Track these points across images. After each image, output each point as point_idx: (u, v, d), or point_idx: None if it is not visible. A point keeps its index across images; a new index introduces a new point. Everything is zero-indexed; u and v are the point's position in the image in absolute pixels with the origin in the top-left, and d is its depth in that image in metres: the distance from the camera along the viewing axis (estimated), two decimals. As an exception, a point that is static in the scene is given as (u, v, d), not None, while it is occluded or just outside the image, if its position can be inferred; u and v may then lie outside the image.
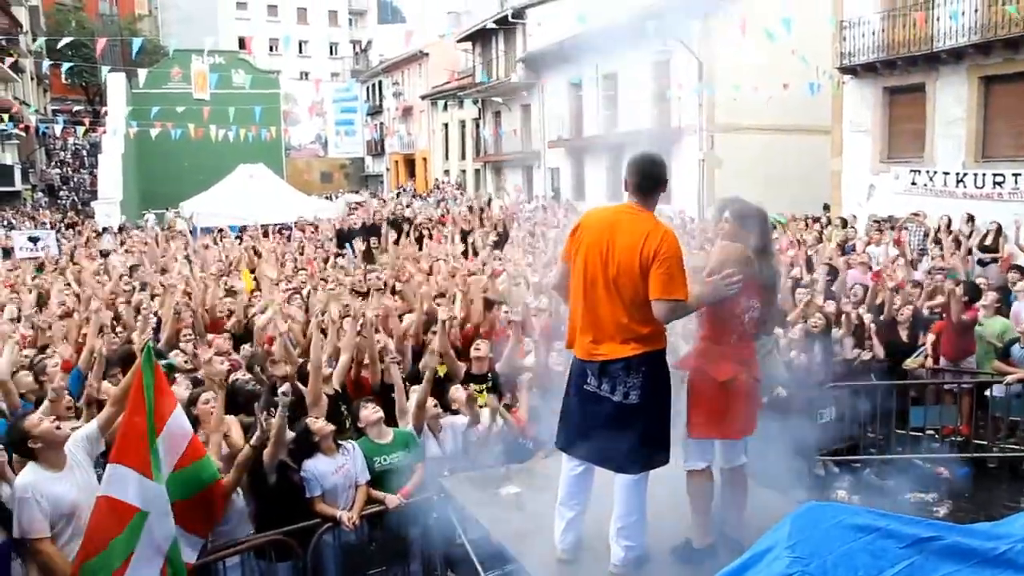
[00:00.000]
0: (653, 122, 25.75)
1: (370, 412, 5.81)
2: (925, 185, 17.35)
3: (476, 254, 12.69)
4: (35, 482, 4.38)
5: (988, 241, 13.76)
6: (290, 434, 5.27)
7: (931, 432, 8.53)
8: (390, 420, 6.03)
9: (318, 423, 5.54)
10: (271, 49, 56.73)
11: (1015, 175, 15.90)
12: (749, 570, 2.87)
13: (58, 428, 4.51)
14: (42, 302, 9.88)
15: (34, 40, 36.21)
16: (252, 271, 11.61)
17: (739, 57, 21.52)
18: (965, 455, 8.46)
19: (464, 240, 13.50)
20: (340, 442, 5.59)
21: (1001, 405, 8.49)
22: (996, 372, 8.57)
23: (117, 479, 4.28)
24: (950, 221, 14.79)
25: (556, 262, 4.43)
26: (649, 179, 4.12)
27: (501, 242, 14.17)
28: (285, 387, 5.43)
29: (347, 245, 14.23)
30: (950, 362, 8.98)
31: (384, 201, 30.05)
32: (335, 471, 5.44)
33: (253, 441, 4.99)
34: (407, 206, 21.17)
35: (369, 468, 5.63)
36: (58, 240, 16.11)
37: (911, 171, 17.70)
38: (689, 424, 4.22)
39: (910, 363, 8.98)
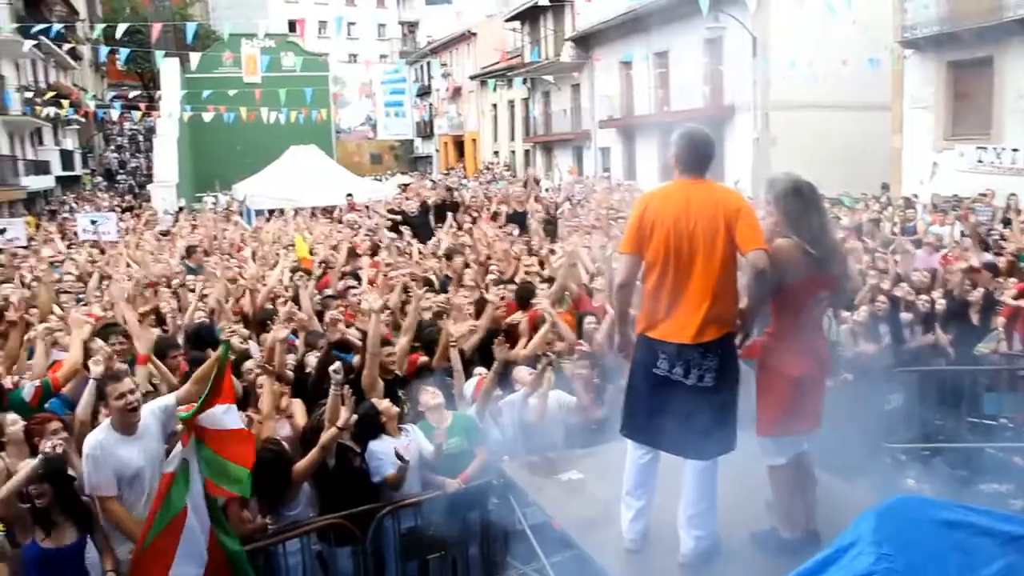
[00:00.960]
0: (705, 100, 25.33)
1: (430, 397, 5.73)
2: (992, 163, 16.78)
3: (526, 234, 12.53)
4: (104, 442, 4.50)
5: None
6: (346, 412, 5.22)
7: (1005, 420, 8.22)
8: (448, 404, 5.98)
9: (384, 403, 5.48)
10: (320, 31, 56.98)
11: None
12: (832, 565, 2.71)
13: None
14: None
15: (91, 28, 36.82)
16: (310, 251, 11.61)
17: (795, 32, 21.04)
18: (1041, 444, 8.15)
19: (516, 222, 13.27)
20: (401, 425, 5.55)
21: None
22: (1073, 357, 8.23)
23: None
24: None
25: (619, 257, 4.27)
26: (698, 157, 4.04)
27: (551, 224, 13.95)
28: (336, 365, 5.35)
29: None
30: (1025, 346, 8.64)
31: (435, 183, 30.04)
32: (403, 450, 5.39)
33: (339, 422, 5.06)
34: (456, 188, 21.01)
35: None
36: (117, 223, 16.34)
37: (977, 148, 17.14)
38: (763, 422, 4.06)
39: (982, 348, 8.65)
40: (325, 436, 5.04)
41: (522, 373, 6.07)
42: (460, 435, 5.64)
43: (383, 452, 5.29)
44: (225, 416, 4.55)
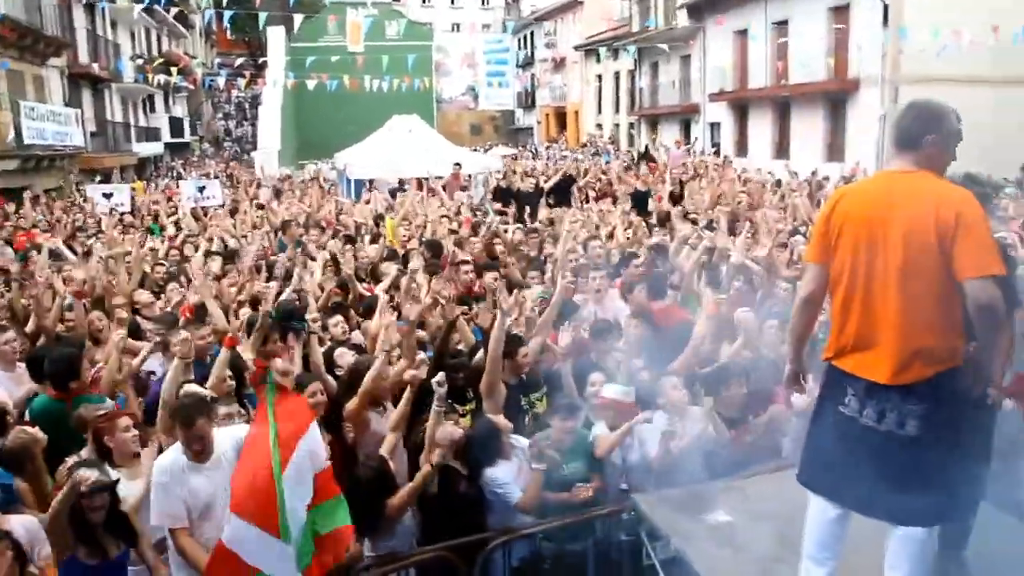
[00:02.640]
0: (828, 73, 23.69)
1: (566, 423, 4.81)
2: None
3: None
4: (173, 468, 3.97)
5: None
6: (454, 431, 4.54)
7: None
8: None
9: (500, 419, 4.78)
10: (424, 1, 56.68)
11: None
12: None
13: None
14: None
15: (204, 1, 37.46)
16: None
17: (931, 1, 19.30)
18: None
19: (638, 203, 12.32)
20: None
21: None
22: None
23: (237, 532, 3.53)
24: None
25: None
26: (912, 132, 3.16)
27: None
28: (440, 377, 4.62)
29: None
30: None
31: (536, 154, 29.31)
32: (516, 476, 4.64)
33: (434, 457, 4.39)
34: (557, 160, 20.19)
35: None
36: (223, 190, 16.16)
37: None
38: None
39: None
40: (420, 477, 4.37)
41: (668, 388, 5.14)
42: (581, 459, 4.84)
43: (505, 477, 4.59)
44: (312, 455, 3.81)
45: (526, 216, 11.75)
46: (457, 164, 18.47)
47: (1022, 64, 18.07)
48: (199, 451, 4.00)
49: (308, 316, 6.18)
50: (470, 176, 19.25)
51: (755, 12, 26.38)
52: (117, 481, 4.02)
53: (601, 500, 4.77)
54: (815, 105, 24.01)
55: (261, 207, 13.09)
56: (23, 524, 3.67)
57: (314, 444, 3.78)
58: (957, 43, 17.57)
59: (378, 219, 11.80)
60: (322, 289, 7.56)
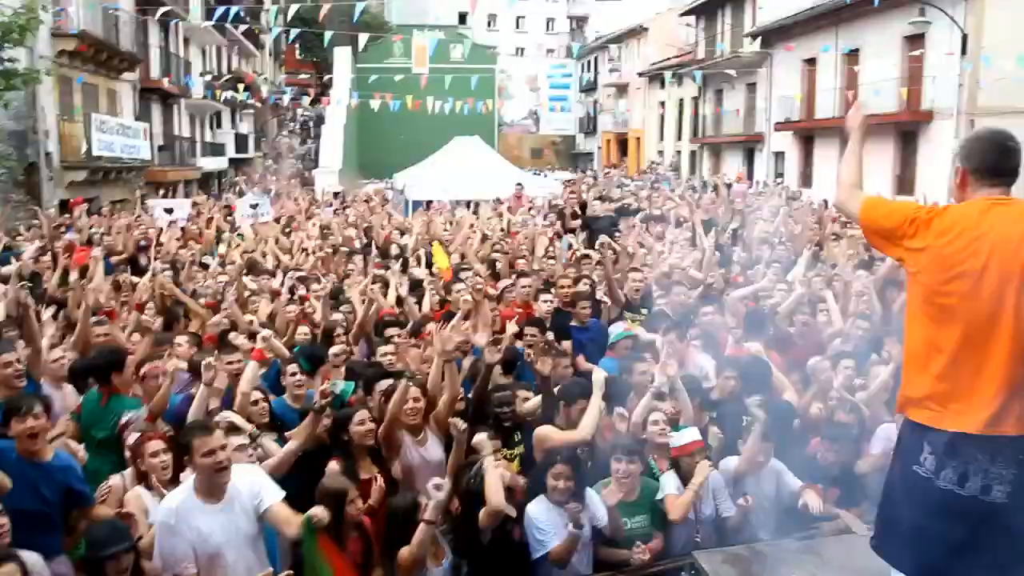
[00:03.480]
0: (900, 104, 23.00)
1: (629, 467, 4.43)
2: None
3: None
4: (181, 509, 3.64)
5: None
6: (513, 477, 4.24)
7: None
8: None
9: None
10: (489, 25, 57.07)
11: None
12: None
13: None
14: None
15: (274, 19, 38.16)
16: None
17: (1016, 28, 18.59)
18: None
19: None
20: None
21: None
22: None
23: None
24: None
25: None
26: (1005, 161, 2.82)
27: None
28: (483, 441, 4.32)
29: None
30: None
31: (595, 179, 28.98)
32: (562, 525, 4.21)
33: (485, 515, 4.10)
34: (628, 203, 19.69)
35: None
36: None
37: None
38: None
39: None
40: (421, 533, 3.96)
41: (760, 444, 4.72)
42: (647, 512, 4.45)
43: (547, 519, 4.22)
44: None
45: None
46: (519, 184, 18.27)
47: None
48: (209, 486, 3.70)
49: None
50: (532, 200, 19.04)
51: (825, 40, 25.81)
52: (139, 539, 3.80)
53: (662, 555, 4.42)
54: (886, 136, 23.29)
55: (323, 227, 12.96)
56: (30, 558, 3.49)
57: None
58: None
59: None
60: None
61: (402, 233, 12.68)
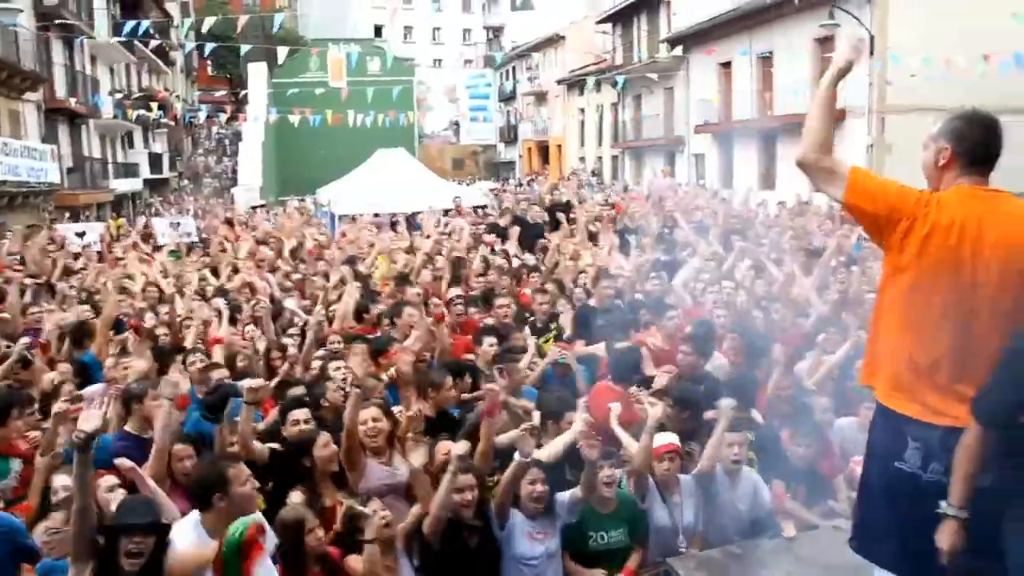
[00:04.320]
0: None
1: (612, 474, 4.30)
2: None
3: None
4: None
5: None
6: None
7: None
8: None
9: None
10: (405, 37, 56.81)
11: None
12: None
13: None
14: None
15: (186, 35, 37.18)
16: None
17: (921, 27, 19.26)
18: None
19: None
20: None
21: None
22: None
23: None
24: None
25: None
26: (988, 148, 2.75)
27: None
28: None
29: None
30: None
31: (514, 191, 28.99)
32: (536, 535, 4.12)
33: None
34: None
35: (579, 545, 4.28)
36: (197, 227, 15.74)
37: None
38: None
39: None
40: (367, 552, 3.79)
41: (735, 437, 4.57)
42: (623, 525, 4.32)
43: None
44: None
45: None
46: (458, 197, 18.15)
47: (1012, 93, 17.97)
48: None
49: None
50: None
51: (739, 44, 26.37)
52: (168, 526, 3.40)
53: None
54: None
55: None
56: None
57: None
58: (946, 72, 17.39)
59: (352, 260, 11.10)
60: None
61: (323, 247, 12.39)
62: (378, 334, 6.92)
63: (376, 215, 16.99)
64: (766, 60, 25.96)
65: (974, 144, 2.74)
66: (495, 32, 61.71)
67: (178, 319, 7.38)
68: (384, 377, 5.52)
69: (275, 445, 4.61)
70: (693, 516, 4.38)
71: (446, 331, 6.63)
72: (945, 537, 2.57)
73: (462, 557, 4.04)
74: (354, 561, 3.83)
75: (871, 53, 20.73)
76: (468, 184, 33.50)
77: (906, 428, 2.70)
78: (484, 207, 19.10)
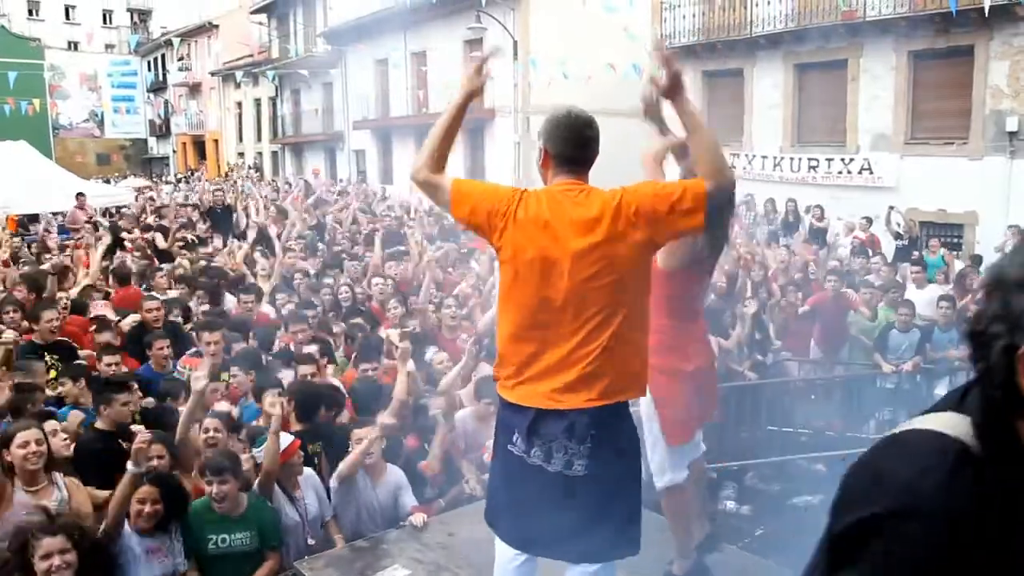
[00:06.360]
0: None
1: (227, 487, 4.00)
2: (744, 169, 17.38)
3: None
4: None
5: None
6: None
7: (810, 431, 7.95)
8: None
9: None
10: (31, 13, 50.68)
11: (828, 160, 16.25)
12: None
13: None
14: None
15: None
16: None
17: (558, 36, 20.87)
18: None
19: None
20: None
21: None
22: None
23: None
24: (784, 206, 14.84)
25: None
26: (578, 144, 2.85)
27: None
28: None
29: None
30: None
31: (176, 184, 27.20)
32: (149, 553, 3.76)
33: None
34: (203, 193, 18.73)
35: (196, 550, 3.96)
36: None
37: (731, 155, 17.68)
38: (673, 431, 3.47)
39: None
40: None
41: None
42: (252, 528, 4.04)
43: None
44: None
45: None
46: (81, 194, 16.44)
47: (636, 99, 20.05)
48: None
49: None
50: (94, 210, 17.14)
51: (395, 42, 26.79)
52: None
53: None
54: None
55: None
56: None
57: None
58: (580, 77, 18.97)
59: None
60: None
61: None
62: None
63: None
64: (421, 58, 26.65)
65: (564, 144, 2.84)
66: (141, 15, 57.10)
67: None
68: None
69: None
70: (317, 507, 4.28)
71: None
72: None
73: None
74: None
75: (515, 57, 22.14)
76: (115, 182, 30.83)
77: (512, 413, 2.81)
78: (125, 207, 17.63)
